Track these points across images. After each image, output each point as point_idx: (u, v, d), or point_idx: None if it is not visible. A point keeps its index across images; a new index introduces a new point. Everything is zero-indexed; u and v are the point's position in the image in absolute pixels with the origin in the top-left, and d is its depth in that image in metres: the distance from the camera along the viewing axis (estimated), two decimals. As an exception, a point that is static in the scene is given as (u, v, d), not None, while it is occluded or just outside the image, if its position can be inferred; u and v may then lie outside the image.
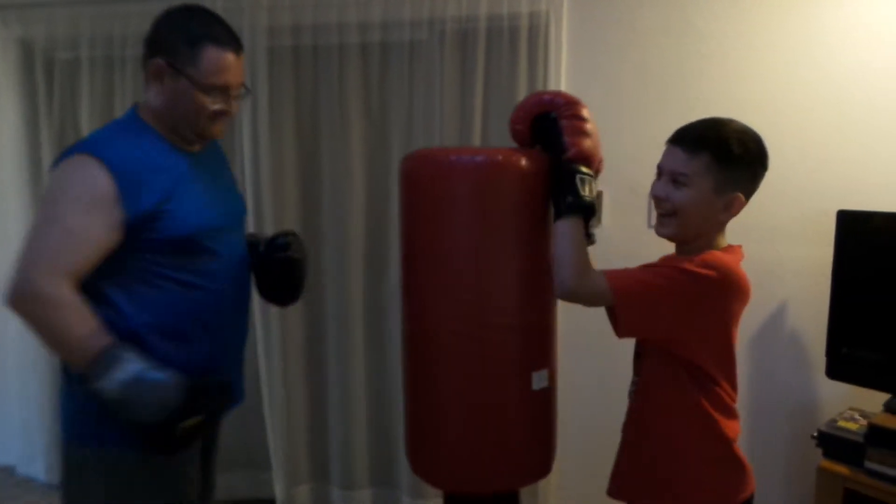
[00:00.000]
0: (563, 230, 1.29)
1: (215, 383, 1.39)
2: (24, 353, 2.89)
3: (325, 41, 2.58)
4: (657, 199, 1.35)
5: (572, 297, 1.30)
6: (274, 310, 2.65)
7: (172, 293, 1.39)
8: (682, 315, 1.27)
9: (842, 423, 2.09)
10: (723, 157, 1.28)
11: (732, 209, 1.31)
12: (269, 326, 2.69)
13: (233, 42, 1.41)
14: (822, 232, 2.20)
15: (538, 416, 1.44)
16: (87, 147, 1.34)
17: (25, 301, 1.27)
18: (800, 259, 2.32)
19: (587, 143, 1.32)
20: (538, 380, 1.40)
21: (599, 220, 1.53)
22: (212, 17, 1.42)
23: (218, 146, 1.63)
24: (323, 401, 2.78)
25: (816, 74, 2.27)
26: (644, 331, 1.33)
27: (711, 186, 1.29)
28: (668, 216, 1.34)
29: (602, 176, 1.41)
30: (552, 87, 2.39)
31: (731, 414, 1.35)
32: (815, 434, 2.10)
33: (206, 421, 1.35)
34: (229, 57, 1.39)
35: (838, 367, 2.15)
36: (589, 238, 1.34)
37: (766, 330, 2.37)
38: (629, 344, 1.45)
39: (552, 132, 1.34)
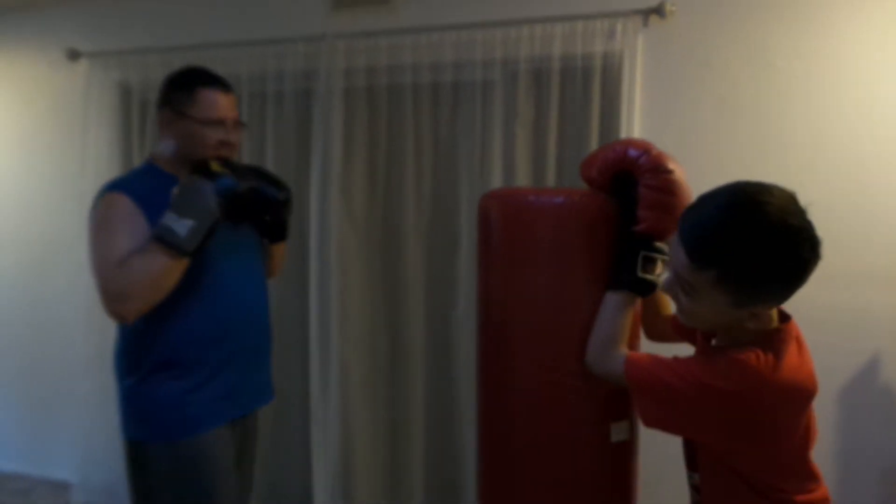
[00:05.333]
0: (607, 302, 1.24)
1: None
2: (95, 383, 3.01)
3: (398, 81, 2.64)
4: (668, 294, 1.18)
5: (590, 370, 1.26)
6: (335, 334, 2.70)
7: (190, 306, 1.59)
8: (704, 427, 1.12)
9: (944, 491, 1.91)
10: (731, 273, 1.04)
11: (761, 319, 1.10)
12: (327, 351, 2.72)
13: (221, 83, 1.68)
14: (919, 280, 2.05)
15: (616, 469, 1.37)
16: (111, 187, 1.62)
17: (118, 302, 1.48)
18: (892, 306, 2.17)
19: (663, 219, 1.20)
20: (617, 431, 1.34)
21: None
22: (202, 69, 1.70)
23: None
24: (386, 431, 2.78)
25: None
26: (667, 429, 1.18)
27: (727, 301, 1.07)
28: (681, 312, 1.16)
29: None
30: (625, 126, 2.36)
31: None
32: (914, 500, 1.93)
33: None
34: (219, 95, 1.65)
35: (939, 428, 1.98)
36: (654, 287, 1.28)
37: (855, 384, 2.21)
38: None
39: (630, 195, 1.24)
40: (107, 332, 3.02)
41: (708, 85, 2.34)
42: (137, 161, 2.97)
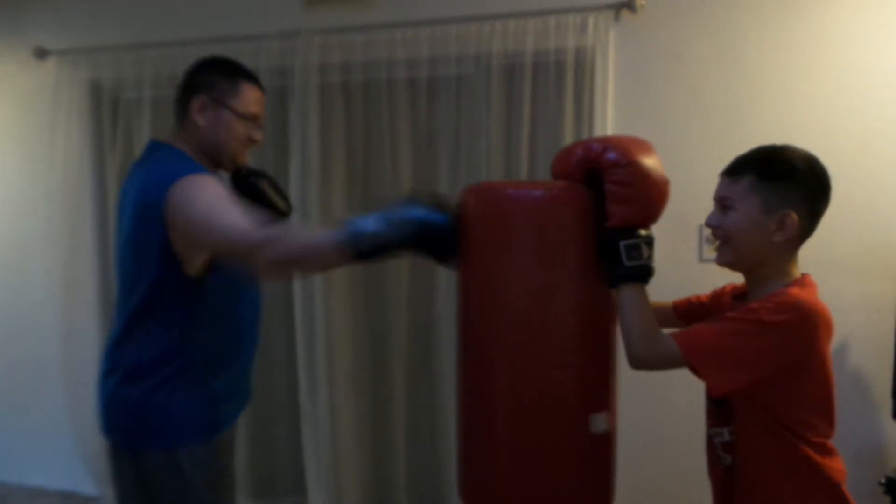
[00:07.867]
0: (623, 301, 1.27)
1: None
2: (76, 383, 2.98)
3: (374, 77, 2.65)
4: (710, 227, 1.35)
5: (644, 366, 1.27)
6: (321, 334, 2.71)
7: (219, 312, 1.55)
8: (768, 366, 1.22)
9: (912, 470, 1.98)
10: (765, 174, 1.27)
11: (786, 229, 1.26)
12: (314, 349, 2.72)
13: (258, 81, 1.65)
14: (886, 265, 2.11)
15: (596, 461, 1.38)
16: (188, 171, 1.49)
17: (275, 263, 1.39)
18: (862, 294, 2.23)
19: (631, 210, 1.26)
20: (597, 423, 1.35)
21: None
22: (237, 61, 1.65)
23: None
24: (370, 424, 2.81)
25: (873, 104, 2.21)
26: (734, 386, 1.26)
27: (758, 206, 1.26)
28: (723, 244, 1.32)
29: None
30: (598, 120, 2.39)
31: (832, 453, 1.31)
32: (883, 481, 1.98)
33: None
34: (258, 92, 1.63)
35: (906, 410, 2.04)
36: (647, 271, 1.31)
37: (827, 369, 2.27)
38: (688, 388, 1.40)
39: (602, 190, 1.28)
40: (82, 335, 3.03)
41: (680, 78, 2.38)
42: (110, 160, 2.94)
